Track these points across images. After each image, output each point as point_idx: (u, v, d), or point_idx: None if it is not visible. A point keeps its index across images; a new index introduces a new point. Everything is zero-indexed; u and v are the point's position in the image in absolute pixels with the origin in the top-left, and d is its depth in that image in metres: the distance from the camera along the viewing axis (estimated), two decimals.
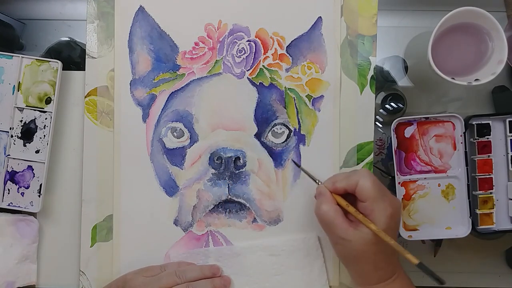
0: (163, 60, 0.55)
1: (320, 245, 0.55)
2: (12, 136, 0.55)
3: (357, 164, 0.55)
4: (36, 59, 0.55)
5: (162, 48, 0.55)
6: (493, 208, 0.56)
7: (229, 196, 0.54)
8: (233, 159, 0.54)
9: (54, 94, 0.54)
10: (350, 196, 0.48)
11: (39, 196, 0.54)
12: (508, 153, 0.57)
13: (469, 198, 0.56)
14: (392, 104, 0.60)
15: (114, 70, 0.55)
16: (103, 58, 0.55)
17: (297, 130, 0.55)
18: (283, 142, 0.55)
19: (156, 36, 0.55)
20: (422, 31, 0.59)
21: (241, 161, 0.54)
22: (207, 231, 0.55)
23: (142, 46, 0.55)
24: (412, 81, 0.62)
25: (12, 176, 0.55)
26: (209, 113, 0.55)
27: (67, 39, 0.61)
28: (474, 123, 0.56)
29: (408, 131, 0.57)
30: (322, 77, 0.55)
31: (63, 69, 0.55)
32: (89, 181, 0.55)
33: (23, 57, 0.54)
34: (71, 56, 0.60)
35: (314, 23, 0.55)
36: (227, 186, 0.54)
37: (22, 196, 0.55)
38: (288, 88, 0.55)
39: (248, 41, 0.55)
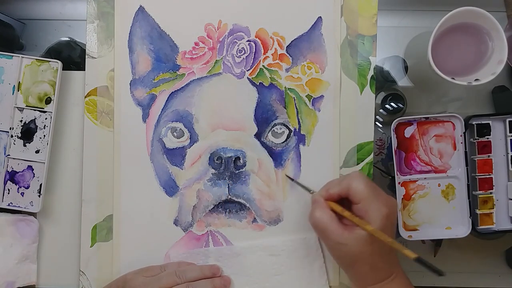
0: (163, 60, 0.55)
1: (320, 245, 0.55)
2: (12, 136, 0.55)
3: (357, 164, 0.55)
4: (36, 59, 0.55)
5: (162, 48, 0.55)
6: (493, 208, 0.56)
7: (229, 196, 0.54)
8: (233, 159, 0.54)
9: (54, 94, 0.54)
10: (345, 202, 0.48)
11: (39, 196, 0.54)
12: (508, 153, 0.57)
13: (469, 198, 0.56)
14: (392, 104, 0.60)
15: (114, 70, 0.55)
16: (103, 58, 0.55)
17: (297, 130, 0.55)
18: (283, 142, 0.55)
19: (156, 36, 0.55)
20: (422, 31, 0.59)
21: (241, 161, 0.54)
22: (207, 231, 0.55)
23: (142, 46, 0.55)
24: (412, 81, 0.62)
25: (12, 176, 0.55)
26: (209, 113, 0.55)
27: (67, 39, 0.61)
28: (474, 123, 0.56)
29: (408, 131, 0.57)
30: (322, 77, 0.55)
31: (63, 69, 0.55)
32: (89, 181, 0.55)
33: (23, 57, 0.54)
34: (71, 56, 0.60)
35: (314, 23, 0.55)
36: (227, 186, 0.54)
37: (22, 196, 0.55)
38: (288, 88, 0.55)
39: (248, 41, 0.55)
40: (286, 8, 0.55)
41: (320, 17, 0.55)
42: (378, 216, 0.45)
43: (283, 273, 0.54)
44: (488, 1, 0.61)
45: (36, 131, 0.55)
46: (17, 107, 0.55)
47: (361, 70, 0.55)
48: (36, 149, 0.55)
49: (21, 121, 0.55)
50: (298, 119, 0.55)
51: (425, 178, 0.57)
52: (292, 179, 0.54)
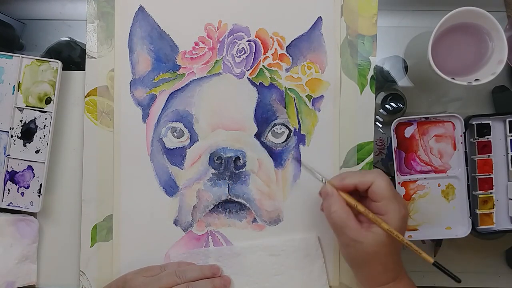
0: (163, 60, 0.55)
1: (320, 245, 0.55)
2: (12, 136, 0.55)
3: (357, 164, 0.55)
4: (36, 59, 0.55)
5: (162, 48, 0.55)
6: (493, 208, 0.56)
7: (229, 196, 0.54)
8: (233, 159, 0.54)
9: (54, 94, 0.54)
10: (355, 196, 0.47)
11: (39, 196, 0.54)
12: (508, 153, 0.57)
13: (469, 198, 0.56)
14: (392, 104, 0.60)
15: (114, 70, 0.55)
16: (103, 58, 0.55)
17: (297, 130, 0.55)
18: (283, 142, 0.55)
19: (156, 36, 0.55)
20: (422, 31, 0.59)
21: (241, 161, 0.54)
22: (207, 231, 0.55)
23: (142, 46, 0.55)
24: (412, 81, 0.62)
25: (12, 176, 0.55)
26: (209, 113, 0.55)
27: (67, 39, 0.61)
28: (474, 123, 0.56)
29: (408, 131, 0.57)
30: (322, 77, 0.55)
31: (63, 69, 0.55)
32: (89, 181, 0.55)
33: (23, 57, 0.54)
34: (71, 56, 0.60)
35: (314, 23, 0.55)
36: (227, 186, 0.54)
37: (22, 196, 0.55)
38: (288, 88, 0.55)
39: (248, 41, 0.55)
40: (286, 8, 0.55)
41: (320, 17, 0.55)
42: (397, 217, 0.44)
43: (283, 273, 0.54)
44: (488, 1, 0.61)
45: (36, 131, 0.55)
46: (17, 107, 0.55)
47: (361, 70, 0.55)
48: (36, 149, 0.55)
49: (21, 121, 0.55)
50: (298, 119, 0.55)
51: (425, 178, 0.57)
52: (305, 166, 0.54)
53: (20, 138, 0.55)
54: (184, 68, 0.55)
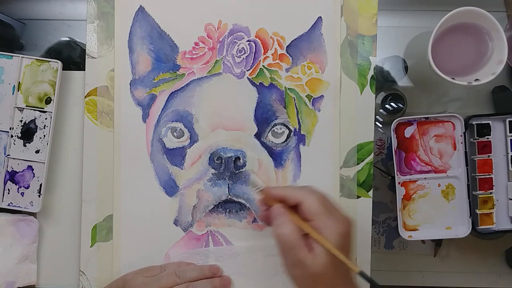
0: (163, 60, 0.55)
1: None
2: (12, 136, 0.55)
3: (357, 164, 0.55)
4: (36, 59, 0.55)
5: (162, 48, 0.55)
6: (493, 208, 0.56)
7: (229, 196, 0.54)
8: (233, 159, 0.54)
9: (54, 94, 0.54)
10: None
11: (39, 196, 0.54)
12: (508, 153, 0.57)
13: (469, 198, 0.56)
14: (392, 104, 0.60)
15: (114, 70, 0.55)
16: (103, 58, 0.55)
17: (297, 130, 0.55)
18: (283, 142, 0.55)
19: (156, 36, 0.55)
20: (422, 31, 0.59)
21: (241, 161, 0.54)
22: (207, 231, 0.55)
23: (142, 46, 0.55)
24: (412, 81, 0.62)
25: (12, 176, 0.55)
26: (209, 113, 0.55)
27: (67, 39, 0.61)
28: (474, 123, 0.56)
29: (408, 131, 0.57)
30: (322, 77, 0.55)
31: (63, 69, 0.55)
32: (89, 181, 0.55)
33: (23, 57, 0.54)
34: (71, 56, 0.60)
35: (314, 23, 0.55)
36: (227, 186, 0.54)
37: (22, 196, 0.55)
38: (288, 88, 0.55)
39: (248, 41, 0.55)
40: (286, 8, 0.55)
41: (320, 17, 0.55)
42: (333, 234, 0.42)
43: (283, 273, 0.54)
44: (488, 1, 0.61)
45: (36, 131, 0.55)
46: (17, 107, 0.55)
47: (361, 70, 0.55)
48: (36, 149, 0.55)
49: (21, 121, 0.55)
50: (298, 119, 0.55)
51: (425, 178, 0.57)
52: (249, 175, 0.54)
53: (20, 138, 0.55)
54: (184, 68, 0.55)
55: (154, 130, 0.55)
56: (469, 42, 0.55)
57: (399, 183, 0.56)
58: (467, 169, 0.56)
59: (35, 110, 0.55)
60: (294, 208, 0.44)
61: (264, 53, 0.55)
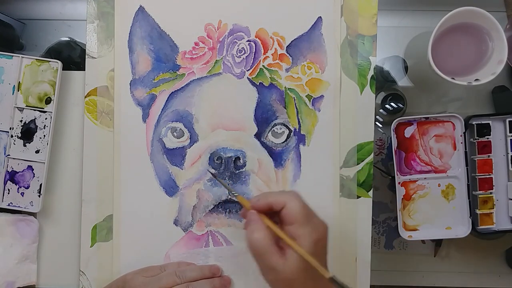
0: (163, 60, 0.55)
1: None
2: (12, 136, 0.55)
3: (357, 164, 0.55)
4: (36, 59, 0.55)
5: (162, 48, 0.55)
6: (493, 208, 0.56)
7: (229, 196, 0.54)
8: (233, 159, 0.54)
9: (54, 94, 0.54)
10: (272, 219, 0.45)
11: (39, 196, 0.54)
12: (508, 153, 0.57)
13: (469, 198, 0.56)
14: (392, 104, 0.60)
15: (114, 70, 0.55)
16: (103, 58, 0.55)
17: (297, 130, 0.55)
18: (283, 142, 0.55)
19: (156, 36, 0.55)
20: (422, 31, 0.59)
21: (241, 161, 0.54)
22: (207, 231, 0.55)
23: (142, 46, 0.55)
24: (412, 81, 0.62)
25: (12, 176, 0.55)
26: (209, 113, 0.55)
27: (67, 39, 0.61)
28: (474, 123, 0.56)
29: (408, 131, 0.57)
30: (322, 77, 0.55)
31: (63, 69, 0.55)
32: (89, 181, 0.55)
33: (23, 57, 0.54)
34: (71, 56, 0.60)
35: (314, 23, 0.55)
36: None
37: (22, 196, 0.55)
38: (288, 88, 0.55)
39: (248, 41, 0.55)
40: (286, 8, 0.55)
41: (320, 17, 0.55)
42: (308, 241, 0.42)
43: None
44: (488, 1, 0.61)
45: (36, 131, 0.55)
46: (17, 107, 0.55)
47: (361, 70, 0.55)
48: (36, 149, 0.55)
49: (21, 121, 0.55)
50: (298, 119, 0.55)
51: (425, 178, 0.57)
52: (215, 176, 0.53)
53: (20, 138, 0.55)
54: (184, 68, 0.55)
55: (154, 130, 0.55)
56: (469, 42, 0.55)
57: (399, 183, 0.56)
58: (467, 169, 0.56)
59: (35, 110, 0.55)
60: (277, 212, 0.45)
61: (264, 53, 0.55)
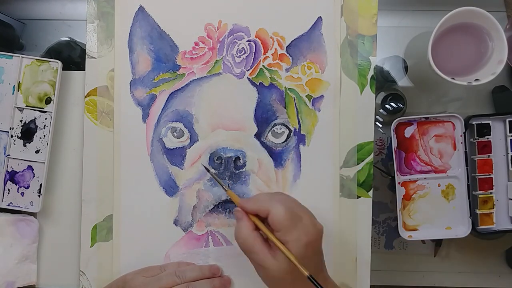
0: (163, 60, 0.55)
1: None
2: (12, 136, 0.55)
3: (357, 164, 0.55)
4: (36, 59, 0.55)
5: (162, 48, 0.55)
6: (493, 208, 0.56)
7: (229, 197, 0.54)
8: (233, 159, 0.54)
9: (54, 94, 0.54)
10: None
11: (39, 196, 0.54)
12: (508, 153, 0.57)
13: (469, 198, 0.56)
14: (392, 104, 0.60)
15: (114, 70, 0.55)
16: (103, 58, 0.55)
17: (297, 130, 0.55)
18: (283, 142, 0.55)
19: (156, 36, 0.55)
20: (422, 31, 0.59)
21: (241, 161, 0.54)
22: (207, 231, 0.55)
23: (142, 46, 0.55)
24: (412, 81, 0.62)
25: (12, 176, 0.55)
26: (209, 113, 0.55)
27: (67, 39, 0.61)
28: (474, 123, 0.56)
29: (408, 131, 0.57)
30: (322, 77, 0.55)
31: (63, 69, 0.55)
32: (89, 181, 0.55)
33: (23, 57, 0.54)
34: (71, 56, 0.60)
35: (314, 23, 0.55)
36: (227, 186, 0.54)
37: (22, 196, 0.55)
38: (288, 88, 0.55)
39: (248, 41, 0.55)
40: (286, 8, 0.55)
41: (320, 17, 0.55)
42: (297, 245, 0.43)
43: None
44: (488, 1, 0.61)
45: (36, 131, 0.55)
46: (17, 107, 0.55)
47: (361, 70, 0.55)
48: (36, 149, 0.55)
49: (21, 121, 0.55)
50: (298, 119, 0.55)
51: (425, 178, 0.57)
52: (208, 170, 0.53)
53: (20, 138, 0.55)
54: (184, 68, 0.55)
55: (154, 130, 0.55)
56: (469, 42, 0.55)
57: (399, 183, 0.56)
58: (467, 169, 0.56)
59: (35, 110, 0.55)
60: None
61: (264, 53, 0.55)
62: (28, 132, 0.55)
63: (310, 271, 0.42)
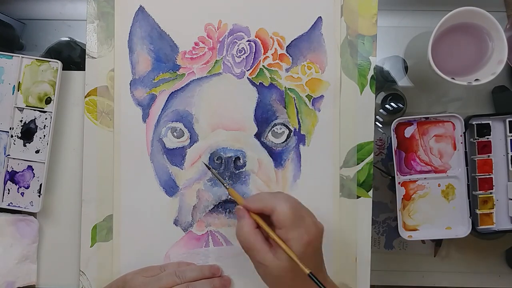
0: (163, 60, 0.55)
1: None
2: (12, 136, 0.55)
3: (357, 164, 0.55)
4: (36, 59, 0.55)
5: (162, 48, 0.55)
6: (493, 208, 0.56)
7: (229, 196, 0.54)
8: (233, 159, 0.54)
9: (54, 94, 0.54)
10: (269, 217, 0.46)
11: (39, 196, 0.54)
12: (508, 153, 0.57)
13: (469, 198, 0.56)
14: (392, 104, 0.60)
15: (114, 70, 0.55)
16: (103, 58, 0.55)
17: (297, 130, 0.55)
18: (283, 142, 0.55)
19: (156, 36, 0.55)
20: (422, 31, 0.59)
21: (241, 161, 0.54)
22: (207, 231, 0.55)
23: (142, 46, 0.55)
24: (412, 81, 0.62)
25: (12, 176, 0.55)
26: (209, 113, 0.55)
27: (67, 39, 0.61)
28: (474, 123, 0.56)
29: (408, 131, 0.57)
30: (322, 77, 0.55)
31: (63, 69, 0.55)
32: (89, 181, 0.55)
33: (23, 57, 0.54)
34: (71, 56, 0.60)
35: (314, 23, 0.55)
36: (228, 184, 0.54)
37: (22, 196, 0.55)
38: (288, 88, 0.55)
39: (248, 41, 0.55)
40: (286, 8, 0.55)
41: (320, 17, 0.55)
42: (298, 244, 0.43)
43: None
44: (488, 1, 0.61)
45: (36, 131, 0.55)
46: (17, 107, 0.55)
47: (361, 70, 0.55)
48: (36, 149, 0.55)
49: (21, 121, 0.55)
50: (298, 119, 0.55)
51: (425, 178, 0.57)
52: (209, 168, 0.53)
53: (20, 138, 0.55)
54: (184, 68, 0.55)
55: (154, 130, 0.55)
56: (469, 42, 0.55)
57: (399, 183, 0.56)
58: (467, 169, 0.56)
59: (35, 110, 0.55)
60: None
61: (264, 53, 0.55)
62: (28, 132, 0.55)
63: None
